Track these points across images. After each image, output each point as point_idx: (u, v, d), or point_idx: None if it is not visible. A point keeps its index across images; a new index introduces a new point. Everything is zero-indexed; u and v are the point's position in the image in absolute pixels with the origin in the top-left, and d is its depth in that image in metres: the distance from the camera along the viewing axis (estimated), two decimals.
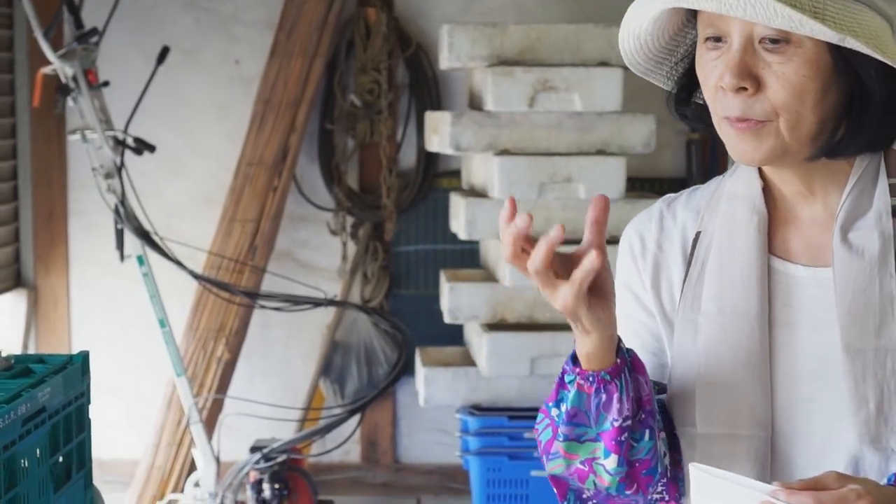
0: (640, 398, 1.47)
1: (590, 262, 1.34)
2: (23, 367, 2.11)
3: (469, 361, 4.65)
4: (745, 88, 1.43)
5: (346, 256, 5.48)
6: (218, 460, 4.57)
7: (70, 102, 4.35)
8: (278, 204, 5.18)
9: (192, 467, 4.83)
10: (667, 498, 1.56)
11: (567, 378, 1.45)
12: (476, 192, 4.68)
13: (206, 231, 5.22)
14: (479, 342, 4.44)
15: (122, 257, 4.46)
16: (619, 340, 1.45)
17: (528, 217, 1.33)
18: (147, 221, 4.49)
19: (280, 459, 4.39)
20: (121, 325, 5.46)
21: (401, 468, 5.54)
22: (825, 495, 1.29)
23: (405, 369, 5.03)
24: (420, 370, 4.63)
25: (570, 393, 1.43)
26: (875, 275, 1.44)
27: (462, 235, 4.46)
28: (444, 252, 5.47)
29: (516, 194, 4.31)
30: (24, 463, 1.93)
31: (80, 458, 2.22)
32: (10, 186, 5.42)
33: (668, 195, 1.67)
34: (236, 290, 4.73)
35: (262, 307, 4.82)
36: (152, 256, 4.50)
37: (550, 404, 1.47)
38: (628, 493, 1.51)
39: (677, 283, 1.55)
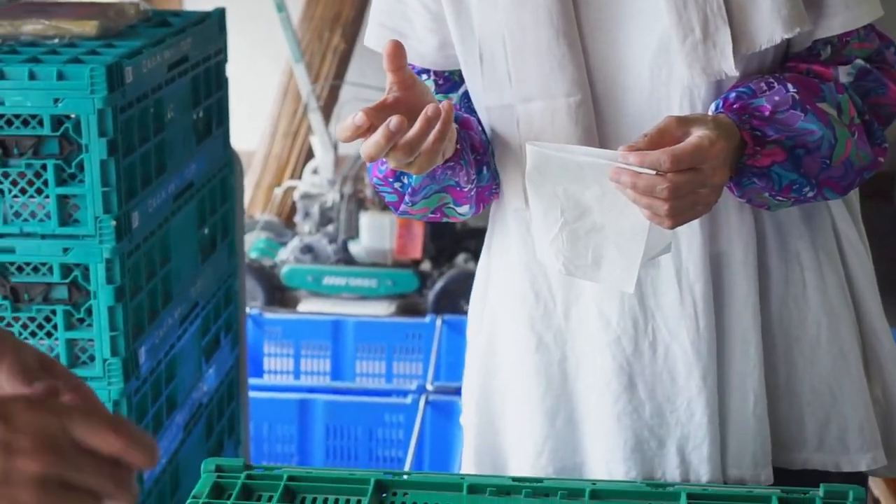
0: (473, 146, 1.40)
1: (442, 124, 1.22)
2: (161, 19, 2.09)
3: None
4: None
5: None
6: (335, 148, 4.59)
7: None
8: None
9: (309, 156, 4.87)
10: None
11: None
12: None
13: None
14: None
15: None
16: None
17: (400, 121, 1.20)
18: None
19: None
20: (235, 13, 5.41)
21: None
22: (679, 150, 1.22)
23: None
24: None
25: (413, 175, 1.35)
26: None
27: None
28: None
29: None
30: (170, 113, 1.93)
31: (220, 116, 2.23)
32: None
33: None
34: None
35: None
36: None
37: (391, 178, 1.39)
38: (478, 213, 1.48)
39: None
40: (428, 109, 1.22)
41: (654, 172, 1.21)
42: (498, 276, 1.52)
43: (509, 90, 1.38)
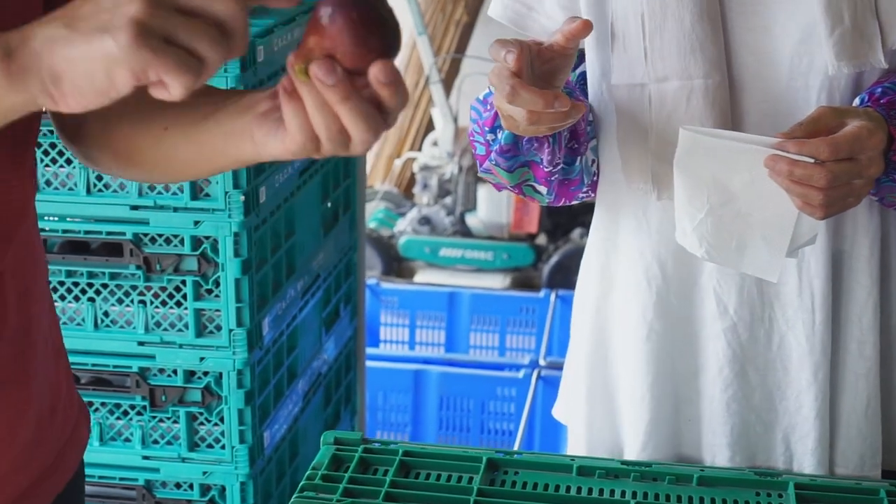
0: (574, 131, 1.39)
1: (569, 121, 1.26)
2: None
3: None
4: None
5: None
6: (455, 121, 4.63)
7: None
8: None
9: (429, 128, 4.92)
10: (591, 195, 1.49)
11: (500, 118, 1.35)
12: None
13: None
14: None
15: None
16: None
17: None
18: None
19: None
20: None
21: None
22: (840, 139, 1.21)
23: None
24: None
25: (506, 131, 1.35)
26: None
27: None
28: None
29: None
30: None
31: None
32: None
33: None
34: None
35: None
36: None
37: (487, 128, 1.39)
38: (557, 204, 1.49)
39: None
40: (580, 106, 1.26)
41: (811, 160, 1.21)
42: (607, 262, 1.52)
43: (642, 69, 1.38)
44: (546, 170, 1.40)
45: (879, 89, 1.33)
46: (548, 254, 4.47)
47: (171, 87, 0.77)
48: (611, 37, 1.39)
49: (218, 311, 1.76)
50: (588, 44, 1.44)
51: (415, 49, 4.89)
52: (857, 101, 1.33)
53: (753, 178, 1.26)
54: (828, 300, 1.40)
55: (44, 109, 0.88)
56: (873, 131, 1.24)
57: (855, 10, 1.32)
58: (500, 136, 1.38)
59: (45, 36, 0.77)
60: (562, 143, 1.39)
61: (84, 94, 0.78)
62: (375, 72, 0.83)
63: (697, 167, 1.30)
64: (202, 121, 0.98)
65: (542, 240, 4.59)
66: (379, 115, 0.85)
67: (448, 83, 4.93)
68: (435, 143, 4.70)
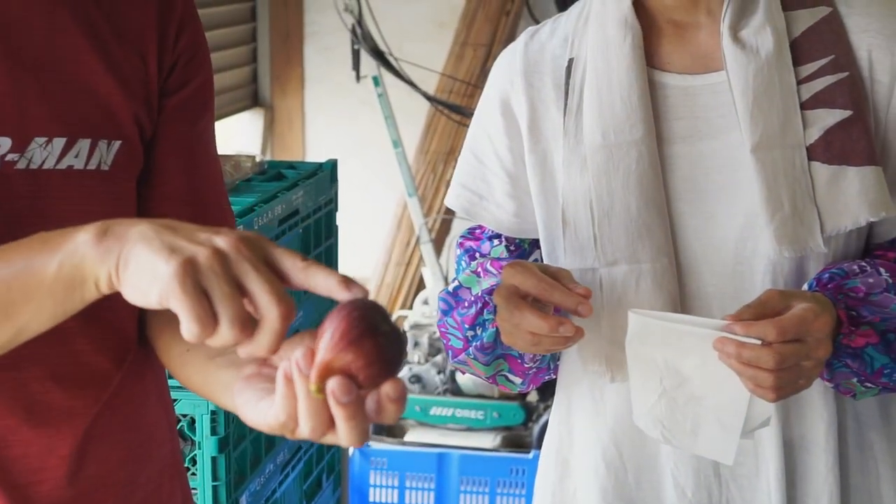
0: None
1: (579, 335, 1.31)
2: (275, 172, 2.18)
3: None
4: None
5: None
6: (446, 280, 4.66)
7: None
8: (510, 28, 5.14)
9: (420, 286, 4.94)
10: (553, 375, 1.52)
11: (487, 315, 1.39)
12: None
13: (437, 56, 5.22)
14: None
15: (357, 77, 4.51)
16: None
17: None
18: (382, 42, 4.53)
19: None
20: (353, 146, 5.57)
21: None
22: (786, 321, 1.23)
23: None
24: None
25: (489, 330, 1.39)
26: (774, 71, 1.37)
27: None
28: None
29: None
30: None
31: (329, 262, 2.31)
32: (248, 7, 5.54)
33: (529, 28, 1.55)
34: (468, 112, 4.76)
35: None
36: (386, 79, 4.54)
37: (467, 326, 1.42)
38: (525, 390, 1.53)
39: (557, 118, 1.44)
40: (581, 331, 1.29)
41: (759, 342, 1.22)
42: (561, 445, 1.53)
43: (592, 253, 1.41)
44: (526, 365, 1.42)
45: (827, 275, 1.35)
46: (538, 413, 4.44)
47: (182, 327, 0.84)
48: (562, 223, 1.42)
49: (194, 489, 1.75)
50: (542, 230, 1.47)
51: (407, 208, 4.95)
52: (805, 287, 1.36)
53: (705, 361, 1.27)
54: (782, 483, 1.40)
55: None
56: (819, 314, 1.26)
57: (794, 198, 1.35)
58: (481, 333, 1.40)
59: (141, 230, 0.87)
60: None
61: (134, 289, 0.86)
62: (388, 389, 0.86)
63: (649, 351, 1.31)
64: (209, 359, 1.06)
65: (532, 397, 4.56)
66: (368, 424, 0.87)
67: (438, 243, 4.97)
68: (425, 302, 4.72)
